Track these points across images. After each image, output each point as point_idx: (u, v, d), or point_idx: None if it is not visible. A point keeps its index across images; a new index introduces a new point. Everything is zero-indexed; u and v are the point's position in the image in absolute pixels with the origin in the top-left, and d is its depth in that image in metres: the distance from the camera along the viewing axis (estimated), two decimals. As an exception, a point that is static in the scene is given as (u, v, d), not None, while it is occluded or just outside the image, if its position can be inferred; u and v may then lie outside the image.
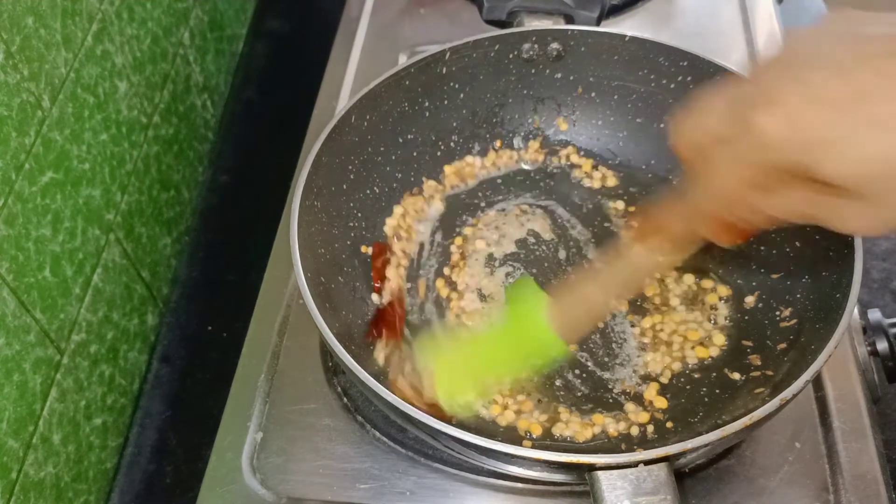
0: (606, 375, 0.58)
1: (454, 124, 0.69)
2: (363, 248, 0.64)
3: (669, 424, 0.55)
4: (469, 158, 0.70)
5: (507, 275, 0.64)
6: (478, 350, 0.56)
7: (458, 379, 0.53)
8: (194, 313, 0.76)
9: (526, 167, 0.71)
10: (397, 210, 0.67)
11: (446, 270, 0.65)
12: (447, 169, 0.69)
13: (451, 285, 0.64)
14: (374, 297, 0.62)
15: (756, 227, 0.42)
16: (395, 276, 0.63)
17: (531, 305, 0.52)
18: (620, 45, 0.66)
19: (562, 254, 0.66)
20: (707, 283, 0.63)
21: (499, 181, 0.70)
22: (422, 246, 0.66)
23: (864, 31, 0.36)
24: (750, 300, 0.61)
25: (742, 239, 0.44)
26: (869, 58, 0.35)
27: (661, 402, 0.56)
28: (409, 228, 0.66)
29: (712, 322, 0.61)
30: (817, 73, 0.36)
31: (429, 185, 0.69)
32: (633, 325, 0.61)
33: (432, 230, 0.67)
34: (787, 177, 0.37)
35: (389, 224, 0.66)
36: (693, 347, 0.59)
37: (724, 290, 0.62)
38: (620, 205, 0.68)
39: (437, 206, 0.68)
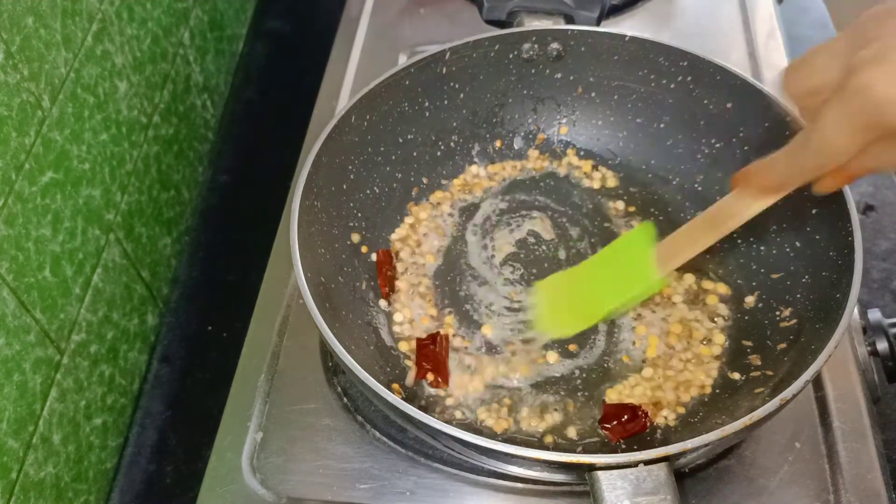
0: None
1: (454, 124, 0.69)
2: (364, 249, 0.64)
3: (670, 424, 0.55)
4: (474, 169, 0.70)
5: (508, 274, 0.64)
6: (579, 281, 0.61)
7: (557, 312, 0.60)
8: (194, 313, 0.76)
9: (529, 172, 0.71)
10: (407, 220, 0.67)
11: (446, 270, 0.65)
12: (455, 182, 0.70)
13: (451, 285, 0.64)
14: (383, 302, 0.62)
15: (858, 174, 0.43)
16: (404, 285, 0.63)
17: (637, 239, 0.58)
18: (620, 45, 0.66)
19: (562, 254, 0.66)
20: (707, 284, 0.63)
21: (499, 180, 0.70)
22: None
23: None
24: (750, 300, 0.61)
25: (843, 184, 0.45)
26: None
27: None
28: (420, 239, 0.66)
29: (713, 321, 0.61)
30: None
31: (436, 195, 0.69)
32: (635, 319, 0.61)
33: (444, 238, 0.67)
34: (890, 134, 0.38)
35: (398, 234, 0.66)
36: (693, 347, 0.59)
37: (724, 290, 0.62)
38: (620, 205, 0.68)
39: (447, 215, 0.68)
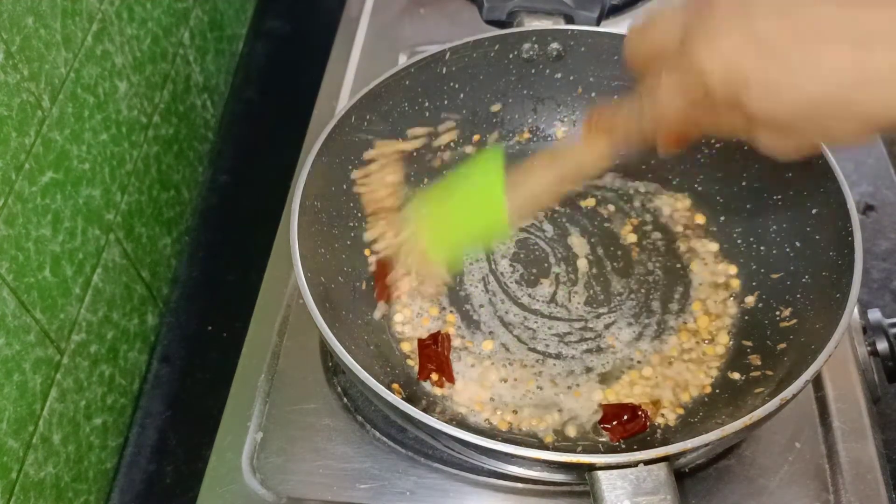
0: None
1: (454, 124, 0.69)
2: (366, 252, 0.63)
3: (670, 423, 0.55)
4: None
5: (509, 274, 0.64)
6: (446, 211, 0.57)
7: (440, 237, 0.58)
8: (194, 313, 0.76)
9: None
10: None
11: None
12: None
13: (451, 285, 0.64)
14: (377, 312, 0.61)
15: (692, 138, 0.44)
16: (405, 286, 0.62)
17: (491, 181, 0.54)
18: (620, 45, 0.65)
19: (561, 253, 0.66)
20: (707, 283, 0.63)
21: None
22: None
23: None
24: (750, 300, 0.61)
25: (676, 148, 0.45)
26: (810, 3, 0.37)
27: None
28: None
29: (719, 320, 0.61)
30: (763, 7, 0.37)
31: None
32: (630, 325, 0.61)
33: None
34: (720, 104, 0.40)
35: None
36: (693, 347, 0.59)
37: (724, 290, 0.62)
38: (620, 205, 0.69)
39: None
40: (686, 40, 0.39)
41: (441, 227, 0.57)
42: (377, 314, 0.61)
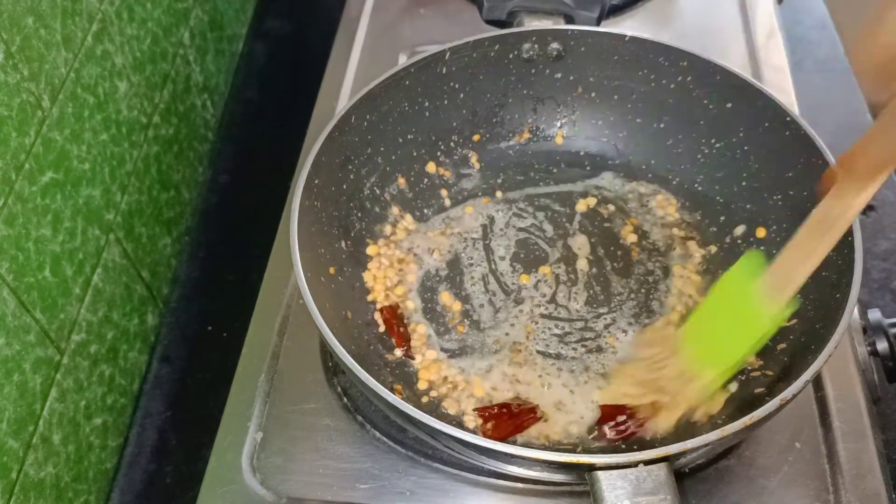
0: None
1: (454, 124, 0.69)
2: (368, 244, 0.63)
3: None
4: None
5: (510, 274, 0.64)
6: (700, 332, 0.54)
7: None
8: (194, 313, 0.76)
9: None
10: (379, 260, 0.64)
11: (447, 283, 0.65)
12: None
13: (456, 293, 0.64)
14: (398, 351, 0.59)
15: None
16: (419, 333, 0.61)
17: (741, 274, 0.52)
18: (620, 45, 0.66)
19: (562, 254, 0.66)
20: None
21: (499, 180, 0.70)
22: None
23: None
24: (750, 300, 0.61)
25: None
26: None
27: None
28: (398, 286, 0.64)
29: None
30: None
31: None
32: (630, 325, 0.61)
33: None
34: None
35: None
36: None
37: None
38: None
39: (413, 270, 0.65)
40: None
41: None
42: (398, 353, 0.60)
